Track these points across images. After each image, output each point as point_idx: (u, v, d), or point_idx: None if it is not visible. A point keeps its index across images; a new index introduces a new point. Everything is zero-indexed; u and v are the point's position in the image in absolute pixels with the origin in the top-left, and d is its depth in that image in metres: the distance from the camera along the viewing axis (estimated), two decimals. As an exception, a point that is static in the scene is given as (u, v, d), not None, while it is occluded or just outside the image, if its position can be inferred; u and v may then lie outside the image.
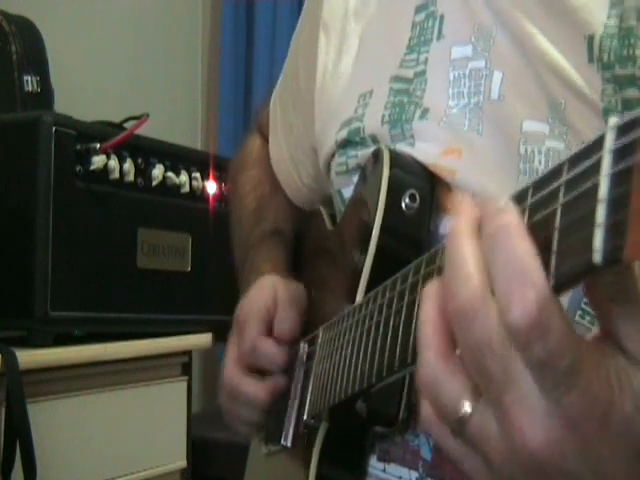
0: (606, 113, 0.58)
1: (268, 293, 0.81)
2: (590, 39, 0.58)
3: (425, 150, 0.67)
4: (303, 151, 0.90)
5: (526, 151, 0.61)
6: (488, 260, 0.38)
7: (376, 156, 0.68)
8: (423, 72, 0.70)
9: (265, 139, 1.00)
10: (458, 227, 0.40)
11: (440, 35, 0.70)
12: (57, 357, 1.42)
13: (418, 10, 0.73)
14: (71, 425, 1.47)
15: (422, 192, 0.65)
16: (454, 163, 0.65)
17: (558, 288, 0.35)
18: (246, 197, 0.99)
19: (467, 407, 0.39)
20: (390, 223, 0.64)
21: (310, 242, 0.91)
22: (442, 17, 0.70)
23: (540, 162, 0.60)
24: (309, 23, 0.87)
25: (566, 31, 0.60)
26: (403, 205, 0.64)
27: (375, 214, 0.64)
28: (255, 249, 0.91)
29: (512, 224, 0.37)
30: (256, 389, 0.78)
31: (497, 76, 0.64)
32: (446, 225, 0.64)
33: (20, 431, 1.30)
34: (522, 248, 0.36)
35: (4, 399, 1.31)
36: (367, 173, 0.71)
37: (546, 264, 0.35)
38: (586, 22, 0.58)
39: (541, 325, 0.35)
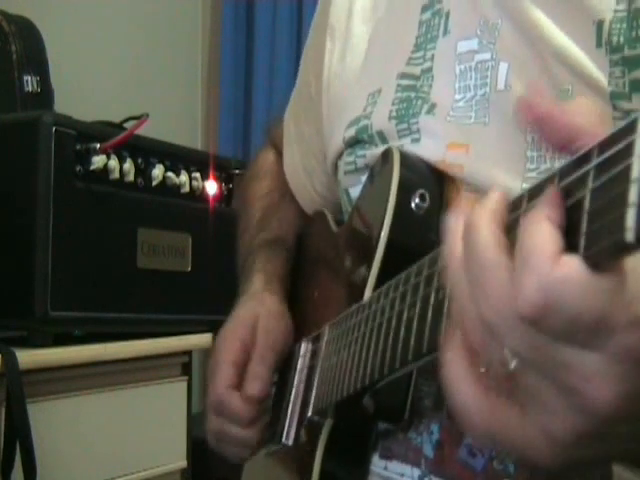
0: (613, 97, 0.58)
1: (248, 330, 0.80)
2: (600, 24, 0.59)
3: (431, 145, 0.68)
4: (315, 158, 0.90)
5: (533, 139, 0.61)
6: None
7: (385, 156, 0.68)
8: (430, 69, 0.71)
9: (278, 153, 1.00)
10: (475, 224, 0.40)
11: (446, 31, 0.71)
12: (57, 357, 1.42)
13: (424, 9, 0.74)
14: (71, 425, 1.47)
15: (432, 192, 0.65)
16: (461, 157, 0.65)
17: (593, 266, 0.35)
18: (252, 207, 0.99)
19: (514, 363, 0.38)
20: (400, 223, 0.64)
21: (315, 244, 0.91)
22: (448, 14, 0.71)
23: (548, 148, 0.61)
24: (318, 33, 0.89)
25: (575, 17, 0.60)
26: (413, 205, 0.64)
27: (385, 214, 0.64)
28: (252, 257, 0.91)
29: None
30: (243, 432, 0.78)
31: (503, 67, 0.65)
32: None
33: (20, 431, 1.30)
34: (532, 235, 0.36)
35: (4, 399, 1.31)
36: (375, 173, 0.71)
37: (574, 247, 0.35)
38: (595, 8, 0.59)
39: (549, 309, 0.35)
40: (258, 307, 0.83)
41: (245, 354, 0.79)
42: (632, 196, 0.31)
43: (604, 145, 0.34)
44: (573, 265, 0.35)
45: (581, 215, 0.35)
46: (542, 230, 0.36)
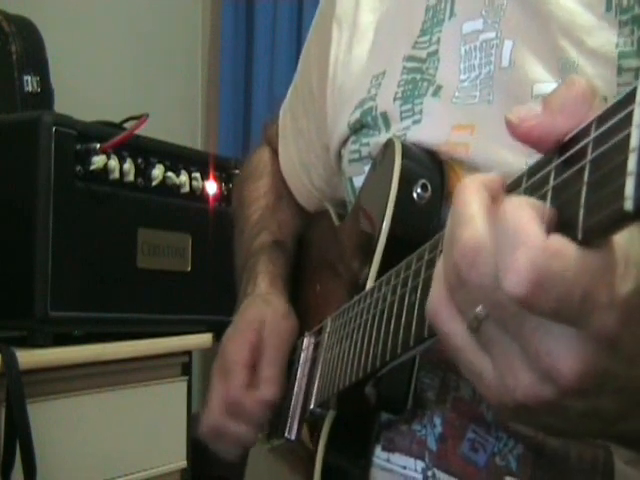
0: (620, 58, 0.59)
1: (255, 332, 0.81)
2: None
3: (434, 127, 0.68)
4: (315, 153, 0.90)
5: None
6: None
7: (387, 147, 0.69)
8: (436, 51, 0.71)
9: (274, 151, 1.00)
10: (464, 183, 0.40)
11: (452, 14, 0.71)
12: (57, 357, 1.42)
13: None
14: (71, 425, 1.47)
15: (433, 182, 0.65)
16: (467, 137, 0.65)
17: (587, 241, 0.34)
18: (249, 208, 0.99)
19: (483, 311, 0.38)
20: (401, 213, 0.64)
21: (318, 239, 0.91)
22: None
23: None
24: (322, 25, 0.88)
25: None
26: (415, 195, 0.64)
27: (386, 204, 0.65)
28: (255, 258, 0.91)
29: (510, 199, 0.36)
30: (246, 431, 0.79)
31: (507, 44, 0.65)
32: None
33: (20, 431, 1.30)
34: (516, 214, 0.35)
35: (4, 399, 1.31)
36: (377, 164, 0.72)
37: (574, 219, 0.34)
38: None
39: (541, 285, 0.34)
40: (265, 308, 0.83)
41: (254, 355, 0.80)
42: (631, 165, 0.31)
43: (603, 116, 0.34)
44: (563, 241, 0.34)
45: (580, 186, 0.34)
46: (527, 211, 0.35)
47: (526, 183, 0.39)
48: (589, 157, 0.34)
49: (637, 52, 0.58)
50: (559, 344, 0.36)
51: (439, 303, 0.41)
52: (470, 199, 0.39)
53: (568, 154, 0.36)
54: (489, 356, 0.39)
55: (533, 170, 0.39)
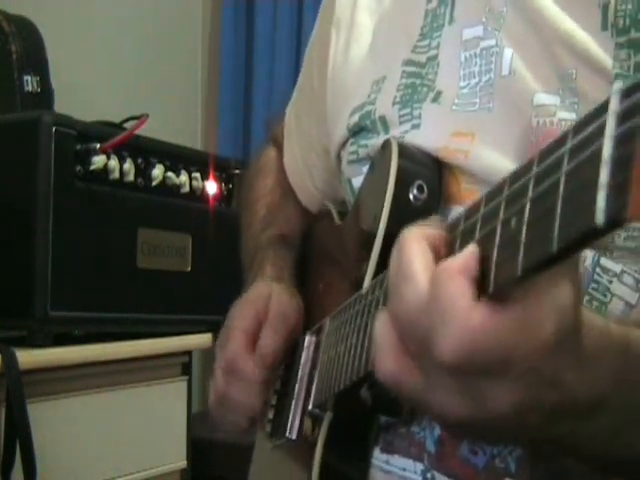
0: (617, 78, 0.58)
1: (261, 302, 0.81)
2: (605, 6, 0.59)
3: (433, 132, 0.68)
4: (316, 154, 0.91)
5: (538, 124, 0.62)
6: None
7: (384, 147, 0.68)
8: (435, 56, 0.71)
9: (279, 150, 1.01)
10: (408, 236, 0.44)
11: (452, 19, 0.71)
12: (57, 357, 1.42)
13: None
14: (71, 425, 1.47)
15: (430, 183, 0.65)
16: (466, 144, 0.65)
17: (561, 256, 0.35)
18: (257, 203, 1.00)
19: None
20: (397, 214, 0.64)
21: (320, 238, 0.91)
22: (453, 2, 0.71)
23: None
24: (323, 27, 0.89)
25: (580, 0, 0.61)
26: (411, 196, 0.64)
27: (383, 205, 0.65)
28: (263, 251, 0.92)
29: (455, 269, 0.40)
30: (248, 396, 0.79)
31: (508, 52, 0.65)
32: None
33: (20, 431, 1.30)
34: (448, 288, 0.40)
35: (4, 399, 1.31)
36: (375, 164, 0.72)
37: (548, 232, 0.35)
38: None
39: (467, 358, 0.39)
40: (272, 286, 0.84)
41: (258, 323, 0.80)
42: (603, 177, 0.31)
43: (579, 127, 0.34)
44: (486, 313, 0.39)
45: (556, 200, 0.35)
46: (456, 284, 0.40)
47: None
48: (564, 169, 0.35)
49: (634, 77, 0.57)
50: (493, 391, 0.41)
51: (389, 344, 0.45)
52: (414, 257, 0.43)
53: (544, 165, 0.37)
54: (430, 389, 0.44)
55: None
